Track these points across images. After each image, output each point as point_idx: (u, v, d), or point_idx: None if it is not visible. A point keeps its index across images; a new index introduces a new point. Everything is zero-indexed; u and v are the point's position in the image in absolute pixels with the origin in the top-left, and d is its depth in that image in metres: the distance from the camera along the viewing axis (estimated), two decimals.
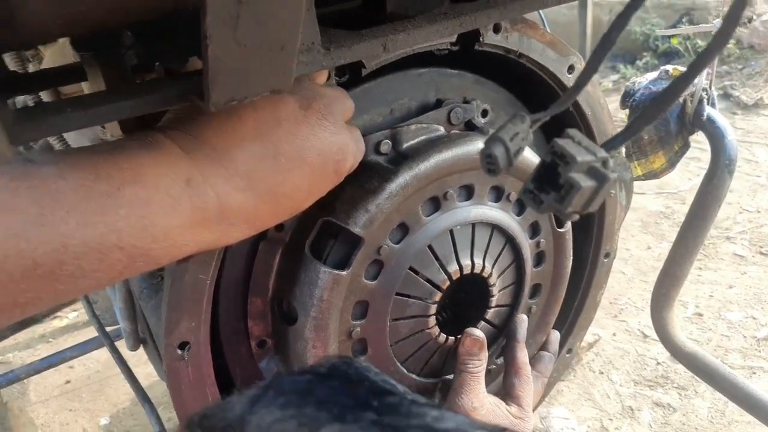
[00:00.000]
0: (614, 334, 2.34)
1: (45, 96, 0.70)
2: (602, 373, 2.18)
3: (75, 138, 0.78)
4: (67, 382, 2.46)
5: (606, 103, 0.80)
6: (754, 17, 5.11)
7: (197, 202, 0.43)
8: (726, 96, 4.23)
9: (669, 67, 0.91)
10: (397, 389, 0.35)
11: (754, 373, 2.04)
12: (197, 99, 0.38)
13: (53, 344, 2.62)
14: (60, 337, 2.67)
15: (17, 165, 0.36)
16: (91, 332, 2.56)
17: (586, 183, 0.34)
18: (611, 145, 0.36)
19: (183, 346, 0.59)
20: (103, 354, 2.45)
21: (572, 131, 0.35)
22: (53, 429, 2.24)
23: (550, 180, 0.35)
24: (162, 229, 0.41)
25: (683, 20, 5.34)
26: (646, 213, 3.08)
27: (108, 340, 0.82)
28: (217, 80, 0.34)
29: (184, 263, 0.54)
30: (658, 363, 2.16)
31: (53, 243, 0.36)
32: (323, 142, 0.49)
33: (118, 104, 0.37)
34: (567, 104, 0.40)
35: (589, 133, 0.79)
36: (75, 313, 2.75)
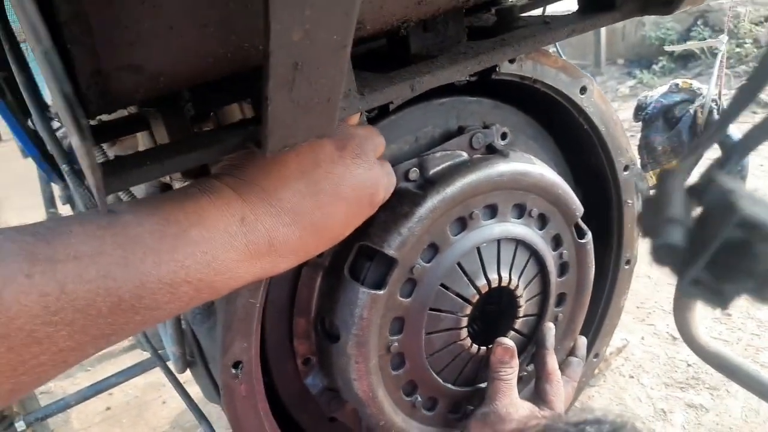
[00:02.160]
0: (643, 338, 2.35)
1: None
2: (632, 377, 2.18)
3: None
4: (108, 408, 2.53)
5: (618, 118, 0.85)
6: None
7: (251, 237, 0.48)
8: None
9: (678, 81, 0.95)
10: None
11: None
12: (254, 147, 0.44)
13: (92, 372, 2.70)
14: (98, 365, 2.75)
15: (102, 215, 0.42)
16: (129, 359, 2.64)
17: None
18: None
19: (236, 365, 0.64)
20: (140, 380, 2.53)
21: (726, 181, 0.27)
22: None
23: (732, 262, 0.26)
24: (222, 262, 0.47)
25: (698, 23, 5.35)
26: None
27: (162, 362, 0.88)
28: (274, 132, 0.40)
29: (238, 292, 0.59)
30: (689, 365, 2.16)
31: (134, 281, 0.42)
32: (357, 178, 0.54)
33: (188, 156, 0.42)
34: (713, 141, 0.33)
35: (604, 149, 0.84)
36: None
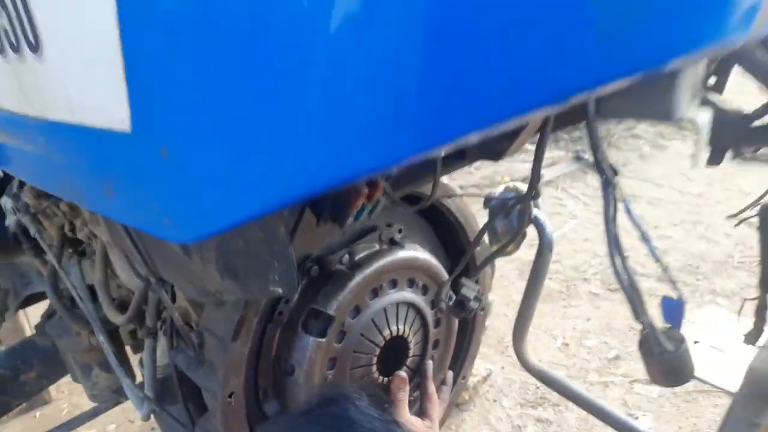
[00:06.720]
0: (503, 368, 2.83)
1: None
2: (495, 400, 2.64)
3: None
4: None
5: (471, 212, 1.27)
6: None
7: None
8: (578, 159, 5.07)
9: (510, 185, 1.40)
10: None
11: (607, 386, 2.60)
12: None
13: None
14: None
15: None
16: None
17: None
18: None
19: (231, 395, 0.94)
20: None
21: None
22: None
23: None
24: None
25: None
26: (522, 263, 3.64)
27: None
28: None
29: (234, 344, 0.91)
30: (537, 387, 2.66)
31: None
32: None
33: None
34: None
35: (464, 232, 1.25)
36: None
